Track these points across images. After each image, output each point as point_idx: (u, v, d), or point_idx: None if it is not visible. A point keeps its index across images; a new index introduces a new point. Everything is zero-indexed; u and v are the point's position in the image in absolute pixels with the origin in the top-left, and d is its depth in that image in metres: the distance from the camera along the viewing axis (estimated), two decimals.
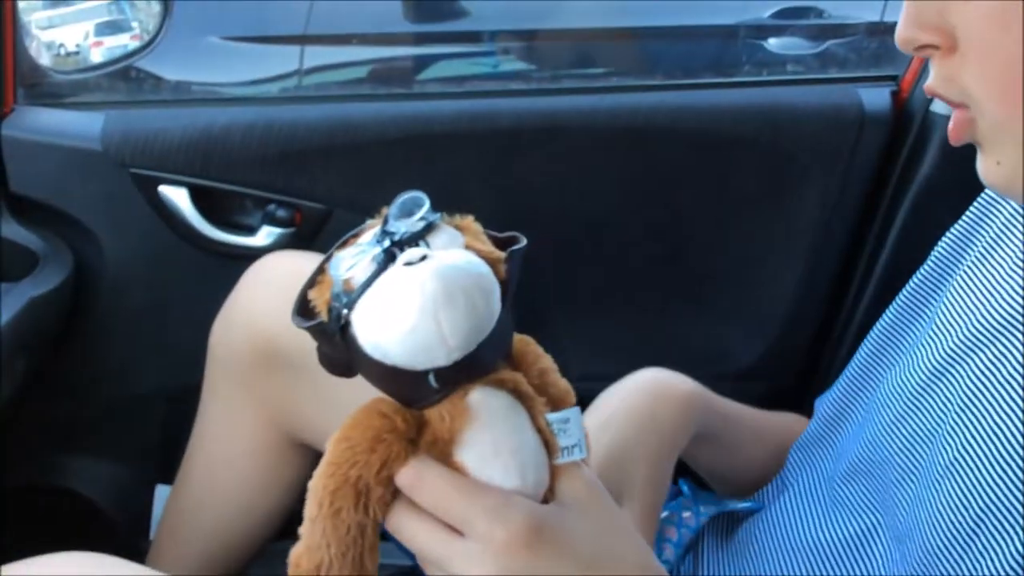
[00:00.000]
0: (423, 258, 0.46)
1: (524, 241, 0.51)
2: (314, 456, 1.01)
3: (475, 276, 0.46)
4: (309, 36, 2.25)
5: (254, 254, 1.02)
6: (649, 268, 1.13)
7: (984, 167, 0.51)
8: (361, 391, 0.94)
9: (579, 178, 1.09)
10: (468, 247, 0.49)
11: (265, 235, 1.11)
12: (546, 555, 0.47)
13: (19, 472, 1.16)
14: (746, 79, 1.18)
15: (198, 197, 1.09)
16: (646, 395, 0.72)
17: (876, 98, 1.08)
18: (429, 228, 0.48)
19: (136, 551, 1.06)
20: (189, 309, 1.04)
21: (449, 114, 1.07)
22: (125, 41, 2.07)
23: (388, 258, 0.46)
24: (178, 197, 1.09)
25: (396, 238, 0.47)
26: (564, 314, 1.13)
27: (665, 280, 1.15)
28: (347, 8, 2.30)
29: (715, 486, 0.84)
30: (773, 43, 2.20)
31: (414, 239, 0.47)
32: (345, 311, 0.46)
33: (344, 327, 0.46)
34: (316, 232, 1.11)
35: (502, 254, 0.49)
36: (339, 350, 0.48)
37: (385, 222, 0.49)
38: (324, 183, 1.09)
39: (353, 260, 0.47)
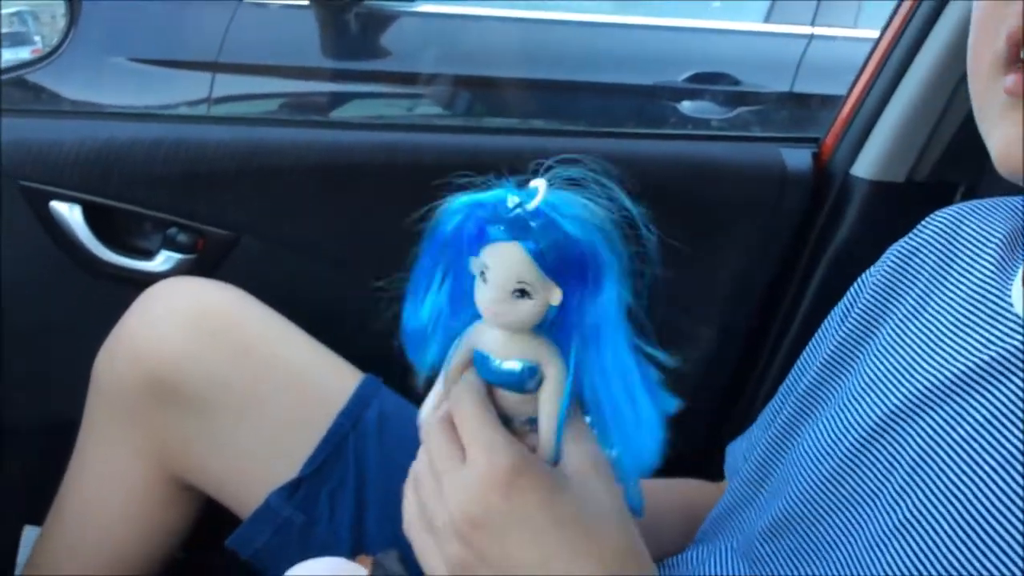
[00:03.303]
0: None
1: None
2: (202, 500, 0.94)
3: None
4: (221, 64, 2.20)
5: (150, 280, 0.95)
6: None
7: None
8: (257, 433, 0.89)
9: None
10: None
11: (163, 260, 1.05)
12: (520, 503, 0.47)
13: None
14: (673, 132, 1.18)
15: (93, 215, 1.02)
16: None
17: (797, 158, 1.09)
18: None
19: None
20: (74, 336, 0.96)
21: (370, 145, 1.03)
22: (26, 55, 1.97)
23: None
24: (71, 214, 1.01)
25: None
26: None
27: None
28: (264, 38, 2.26)
29: None
30: (687, 106, 2.26)
31: None
32: None
33: None
34: (220, 260, 1.05)
35: None
36: None
37: None
38: (233, 208, 1.04)
39: None
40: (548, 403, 0.50)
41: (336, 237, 1.06)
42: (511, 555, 0.48)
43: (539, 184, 0.47)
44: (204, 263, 1.05)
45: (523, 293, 0.47)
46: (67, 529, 0.95)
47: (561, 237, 0.46)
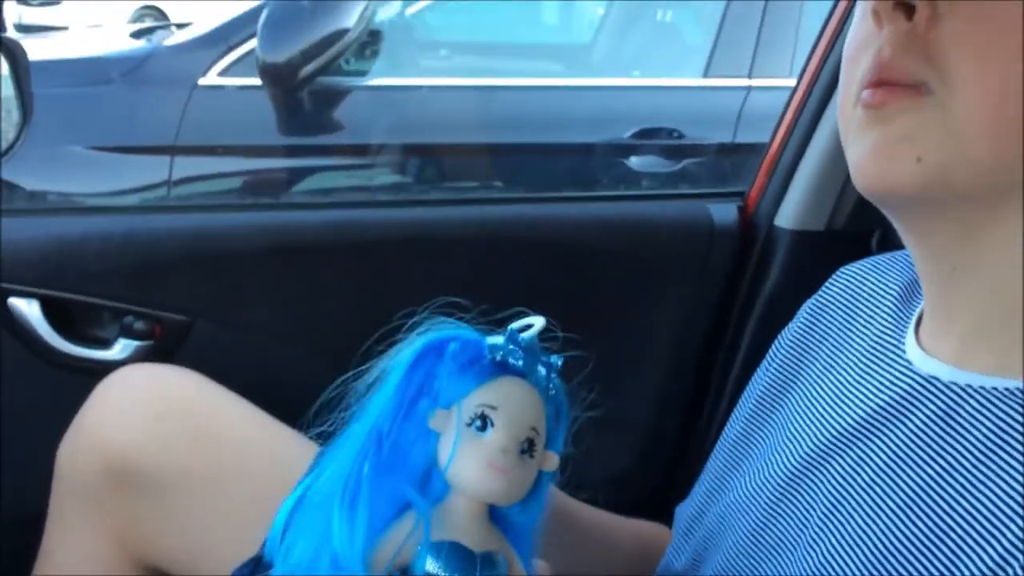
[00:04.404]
0: None
1: None
2: None
3: None
4: (179, 147, 2.24)
5: (109, 368, 0.97)
6: None
7: (892, 161, 0.48)
8: (219, 515, 0.90)
9: (442, 288, 1.10)
10: None
11: (121, 348, 1.08)
12: None
13: None
14: (605, 193, 1.23)
15: (50, 309, 1.05)
16: None
17: (724, 213, 1.14)
18: None
19: None
20: (37, 427, 0.97)
21: (315, 224, 1.08)
22: None
23: None
24: (29, 309, 1.04)
25: None
26: None
27: None
28: (220, 120, 2.31)
29: None
30: (634, 161, 2.33)
31: None
32: None
33: None
34: (177, 344, 1.08)
35: None
36: None
37: None
38: (185, 294, 1.07)
39: None
40: None
41: (286, 316, 1.10)
42: None
43: (536, 321, 0.39)
44: (162, 349, 1.07)
45: (530, 447, 0.38)
46: None
47: (562, 392, 0.39)
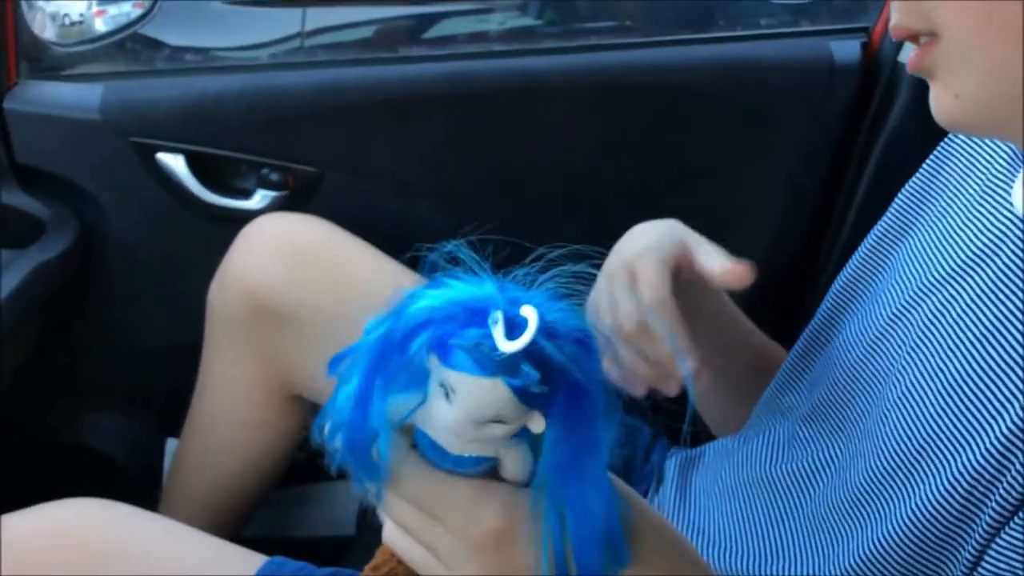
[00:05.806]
0: None
1: None
2: (311, 407, 1.07)
3: None
4: None
5: (249, 217, 1.06)
6: (625, 226, 1.16)
7: (940, 102, 0.51)
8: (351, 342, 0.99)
9: (555, 138, 1.13)
10: None
11: (259, 198, 1.16)
12: (519, 556, 0.44)
13: (35, 429, 1.22)
14: (718, 35, 1.20)
15: (194, 163, 1.14)
16: None
17: (846, 50, 1.10)
18: None
19: (151, 502, 1.11)
20: (189, 269, 1.09)
21: (430, 77, 1.11)
22: (127, 9, 2.09)
23: None
24: (175, 164, 1.13)
25: None
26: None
27: None
28: None
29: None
30: None
31: None
32: None
33: None
34: (309, 194, 1.16)
35: None
36: None
37: None
38: (314, 147, 1.13)
39: None
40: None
41: (408, 167, 1.15)
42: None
43: (530, 316, 0.39)
44: (295, 199, 1.15)
45: (497, 420, 0.40)
46: (199, 438, 1.10)
47: (552, 369, 0.39)
